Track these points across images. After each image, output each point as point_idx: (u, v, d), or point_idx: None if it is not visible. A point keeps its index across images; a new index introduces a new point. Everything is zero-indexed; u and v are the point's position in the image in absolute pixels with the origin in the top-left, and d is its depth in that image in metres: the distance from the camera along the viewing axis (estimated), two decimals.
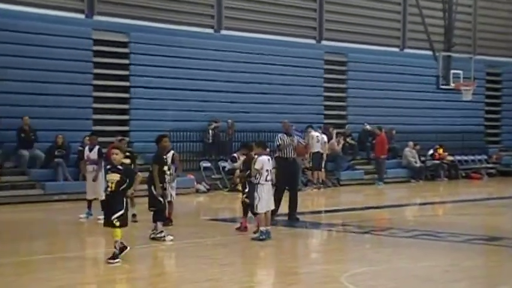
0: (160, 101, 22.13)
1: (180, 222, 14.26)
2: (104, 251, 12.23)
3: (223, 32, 24.35)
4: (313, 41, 26.89)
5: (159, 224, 12.24)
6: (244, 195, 13.01)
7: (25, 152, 18.90)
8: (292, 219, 14.69)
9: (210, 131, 22.30)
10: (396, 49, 29.30)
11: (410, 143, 26.70)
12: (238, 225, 13.49)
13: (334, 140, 24.30)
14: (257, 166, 12.19)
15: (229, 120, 22.75)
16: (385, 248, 11.73)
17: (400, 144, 27.00)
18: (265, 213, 12.21)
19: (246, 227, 13.18)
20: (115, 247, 10.10)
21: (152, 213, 12.28)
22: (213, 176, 22.09)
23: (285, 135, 14.94)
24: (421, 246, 12.02)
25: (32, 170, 18.93)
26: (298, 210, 15.11)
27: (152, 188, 12.17)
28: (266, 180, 12.18)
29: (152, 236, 12.16)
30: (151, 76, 22.08)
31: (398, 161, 26.82)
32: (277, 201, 13.96)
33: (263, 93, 24.52)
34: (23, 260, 10.48)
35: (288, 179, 14.75)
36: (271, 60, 24.76)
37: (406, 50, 29.37)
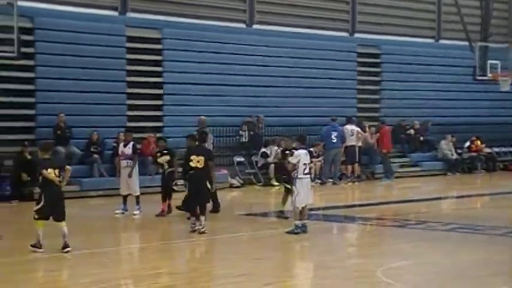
0: (193, 96, 22.19)
1: (214, 217, 14.28)
2: (139, 246, 12.31)
3: (256, 26, 24.29)
4: (345, 34, 26.68)
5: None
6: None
7: (61, 149, 19.08)
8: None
9: (246, 130, 22.32)
10: (431, 40, 28.93)
11: (448, 136, 26.30)
12: (271, 219, 13.50)
13: (368, 133, 24.14)
14: (293, 160, 12.15)
15: (261, 115, 22.72)
16: (421, 242, 11.60)
17: (436, 136, 26.69)
18: (302, 207, 12.16)
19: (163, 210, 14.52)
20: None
21: (199, 206, 12.37)
22: (246, 171, 22.10)
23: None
24: (458, 239, 11.87)
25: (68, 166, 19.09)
26: (333, 204, 15.03)
27: (208, 183, 12.41)
28: (304, 174, 12.13)
29: (203, 230, 12.20)
30: (184, 72, 22.14)
31: (434, 154, 26.52)
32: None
33: (295, 87, 24.40)
34: (60, 255, 10.57)
35: None
36: (303, 54, 24.64)
37: (442, 41, 28.98)
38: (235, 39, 23.27)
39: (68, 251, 10.51)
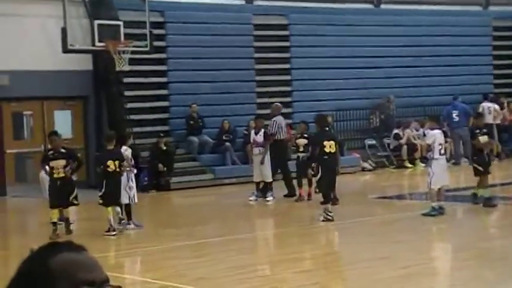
0: (322, 81, 22.05)
1: (347, 201, 14.11)
2: (274, 231, 12.38)
3: (384, 6, 23.76)
4: (479, 8, 25.57)
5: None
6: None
7: (194, 139, 19.55)
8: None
9: (377, 114, 21.95)
10: None
11: None
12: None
13: (506, 110, 23.06)
14: (429, 141, 11.86)
15: (391, 96, 22.22)
16: None
17: None
18: (438, 188, 11.82)
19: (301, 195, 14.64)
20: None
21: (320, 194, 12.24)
22: (378, 154, 21.73)
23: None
24: None
25: (201, 155, 19.55)
26: (470, 184, 14.44)
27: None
28: (440, 154, 11.80)
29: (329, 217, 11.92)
30: (311, 57, 22.03)
31: None
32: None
33: (428, 66, 23.70)
34: (198, 243, 10.81)
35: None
36: (434, 31, 23.85)
37: None
38: (363, 20, 22.87)
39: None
